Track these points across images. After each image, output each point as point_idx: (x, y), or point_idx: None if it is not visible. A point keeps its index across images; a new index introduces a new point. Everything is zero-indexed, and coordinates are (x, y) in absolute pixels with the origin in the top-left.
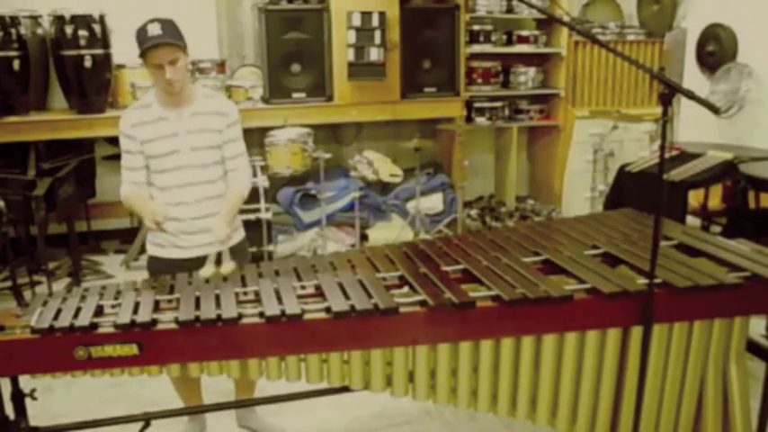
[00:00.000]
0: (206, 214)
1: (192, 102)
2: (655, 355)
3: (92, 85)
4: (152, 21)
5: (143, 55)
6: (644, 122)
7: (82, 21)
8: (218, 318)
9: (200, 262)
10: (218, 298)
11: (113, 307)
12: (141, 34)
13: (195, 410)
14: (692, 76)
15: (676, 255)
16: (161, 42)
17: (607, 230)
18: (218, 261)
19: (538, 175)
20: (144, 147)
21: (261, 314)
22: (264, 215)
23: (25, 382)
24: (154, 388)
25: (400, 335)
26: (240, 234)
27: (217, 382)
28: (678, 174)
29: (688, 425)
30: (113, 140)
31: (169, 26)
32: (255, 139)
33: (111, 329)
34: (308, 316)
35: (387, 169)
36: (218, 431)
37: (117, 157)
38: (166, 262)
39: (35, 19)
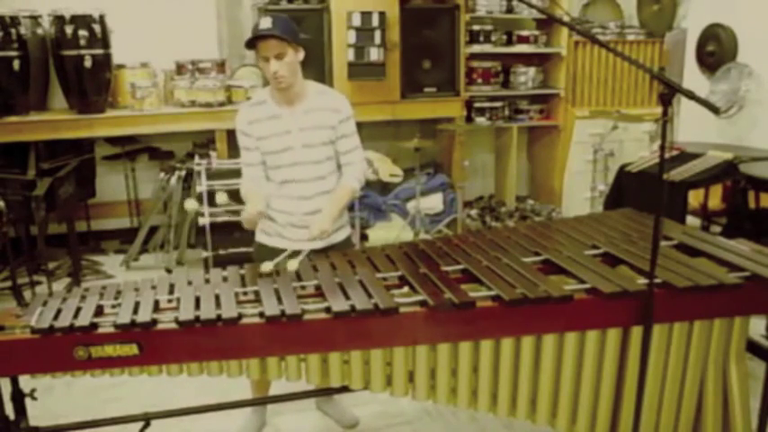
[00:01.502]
0: (317, 210)
1: (304, 98)
2: (655, 355)
3: (92, 85)
4: (267, 14)
5: (252, 46)
6: (644, 122)
7: (82, 21)
8: (218, 318)
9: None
10: (218, 298)
11: (113, 307)
12: (254, 26)
13: (195, 411)
14: (692, 76)
15: (676, 255)
16: (267, 35)
17: (607, 230)
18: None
19: (538, 175)
20: (259, 143)
21: (261, 314)
22: None
23: (25, 382)
24: (154, 388)
25: (400, 335)
26: (345, 231)
27: (215, 382)
28: (678, 174)
29: (688, 425)
30: (113, 140)
31: (281, 21)
32: None
33: (111, 329)
34: (308, 316)
35: (387, 169)
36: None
37: (117, 157)
38: (270, 250)
39: (35, 19)
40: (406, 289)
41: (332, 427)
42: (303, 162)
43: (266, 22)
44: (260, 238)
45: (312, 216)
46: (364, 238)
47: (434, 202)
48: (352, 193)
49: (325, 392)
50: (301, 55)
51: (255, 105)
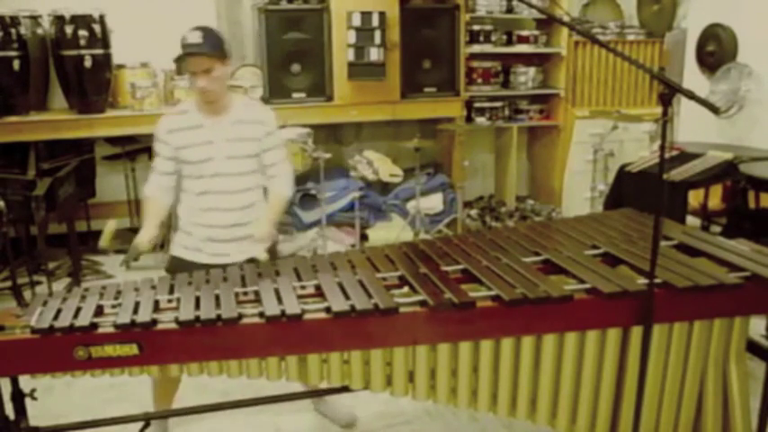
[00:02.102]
0: (236, 223)
1: (230, 110)
2: (655, 355)
3: (92, 85)
4: (196, 28)
5: (181, 60)
6: (644, 122)
7: (82, 21)
8: (218, 318)
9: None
10: (217, 298)
11: (113, 307)
12: (183, 40)
13: (195, 411)
14: (692, 76)
15: (676, 255)
16: (195, 52)
17: (607, 230)
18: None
19: (538, 175)
20: (179, 152)
21: (261, 314)
22: None
23: (25, 382)
24: None
25: (400, 335)
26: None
27: (215, 382)
28: (678, 174)
29: (688, 425)
30: (113, 140)
31: (210, 36)
32: None
33: (111, 329)
34: (308, 316)
35: (387, 169)
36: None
37: (117, 157)
38: (187, 264)
39: (35, 19)
40: (406, 289)
41: (332, 426)
42: (226, 174)
43: (195, 37)
44: (176, 251)
45: (231, 229)
46: (364, 238)
47: (434, 202)
48: (285, 201)
49: (325, 392)
50: (230, 68)
51: (177, 114)
